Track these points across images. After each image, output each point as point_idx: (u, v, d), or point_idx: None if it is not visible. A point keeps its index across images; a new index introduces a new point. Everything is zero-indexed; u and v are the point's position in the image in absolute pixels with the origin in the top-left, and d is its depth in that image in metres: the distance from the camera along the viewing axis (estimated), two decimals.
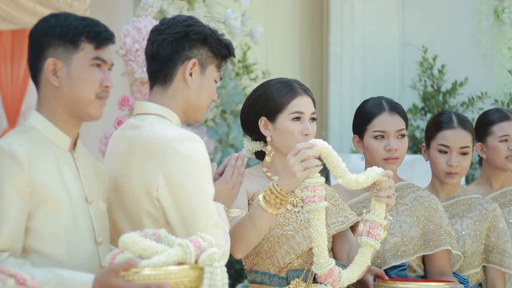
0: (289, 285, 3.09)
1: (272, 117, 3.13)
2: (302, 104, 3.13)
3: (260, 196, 2.88)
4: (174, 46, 2.77)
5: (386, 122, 3.45)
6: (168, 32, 2.79)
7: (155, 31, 2.82)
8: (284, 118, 3.11)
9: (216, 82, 2.87)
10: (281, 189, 2.83)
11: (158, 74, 2.80)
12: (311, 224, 2.86)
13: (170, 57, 2.78)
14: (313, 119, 3.16)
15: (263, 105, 3.14)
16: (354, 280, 2.98)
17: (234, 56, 2.90)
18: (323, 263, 2.88)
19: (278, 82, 3.18)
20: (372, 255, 2.99)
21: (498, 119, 4.01)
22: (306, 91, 3.17)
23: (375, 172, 2.91)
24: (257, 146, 3.21)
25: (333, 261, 2.92)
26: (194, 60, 2.78)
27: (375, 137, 3.45)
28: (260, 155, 3.24)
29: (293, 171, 2.79)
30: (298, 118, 3.11)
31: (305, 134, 3.10)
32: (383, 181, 2.93)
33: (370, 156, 3.47)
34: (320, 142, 2.82)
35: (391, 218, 3.00)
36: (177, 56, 2.77)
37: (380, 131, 3.45)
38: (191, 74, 2.78)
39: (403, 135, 3.45)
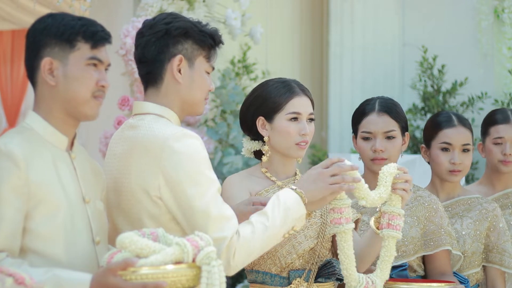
0: (290, 285, 3.08)
1: (269, 117, 3.13)
2: (299, 104, 3.12)
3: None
4: (158, 46, 2.76)
5: (373, 123, 3.46)
6: (150, 33, 2.78)
7: (138, 35, 2.82)
8: (281, 118, 3.11)
9: (208, 73, 2.84)
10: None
11: (148, 77, 2.80)
12: (338, 247, 2.87)
13: (156, 58, 2.77)
14: (311, 119, 3.15)
15: (261, 105, 3.14)
16: (388, 277, 2.98)
17: (223, 44, 2.86)
18: (355, 285, 2.89)
19: (277, 82, 3.17)
20: None
21: (497, 120, 4.01)
22: (305, 91, 3.16)
23: (389, 173, 2.90)
24: (256, 145, 3.22)
25: (363, 276, 2.91)
26: (179, 56, 2.76)
27: (363, 138, 3.47)
28: (259, 155, 3.24)
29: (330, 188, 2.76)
30: (295, 119, 3.11)
31: (302, 134, 3.10)
32: (400, 175, 2.92)
33: (361, 156, 3.49)
34: (348, 163, 2.81)
35: None
36: (163, 55, 2.76)
37: (367, 132, 3.46)
38: (180, 71, 2.77)
39: (392, 137, 3.45)
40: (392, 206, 2.93)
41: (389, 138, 3.44)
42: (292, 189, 2.76)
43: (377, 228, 2.97)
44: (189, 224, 2.62)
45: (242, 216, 2.78)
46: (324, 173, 2.76)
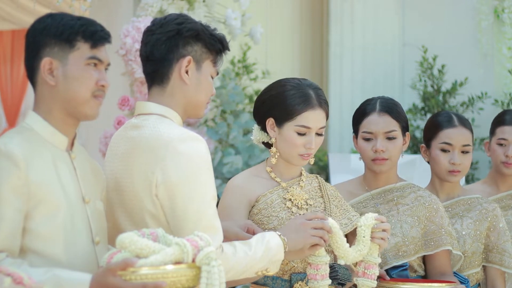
0: None
1: (279, 122, 3.10)
2: (312, 118, 3.07)
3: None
4: (168, 45, 2.75)
5: (374, 123, 3.45)
6: (160, 32, 2.77)
7: (147, 32, 2.81)
8: (290, 128, 3.08)
9: (212, 77, 2.84)
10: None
11: (155, 75, 2.79)
12: None
13: (165, 57, 2.76)
14: (320, 134, 3.11)
15: (273, 107, 3.11)
16: None
17: (229, 50, 2.87)
18: None
19: (295, 87, 3.11)
20: None
21: (504, 121, 4.01)
22: (321, 103, 3.10)
23: (367, 226, 2.93)
24: (264, 137, 3.19)
25: None
26: (188, 57, 2.76)
27: (364, 138, 3.47)
28: (268, 144, 3.21)
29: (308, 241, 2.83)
30: (304, 132, 3.08)
31: (308, 147, 3.08)
32: (378, 225, 2.95)
33: (362, 157, 3.49)
34: (331, 221, 2.86)
35: None
36: (172, 55, 2.76)
37: (368, 132, 3.46)
38: (187, 72, 2.77)
39: (393, 137, 3.45)
40: (369, 255, 2.96)
41: (390, 138, 3.44)
42: (277, 234, 2.80)
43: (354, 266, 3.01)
44: (177, 227, 2.61)
45: (233, 236, 2.82)
46: (307, 224, 2.84)
